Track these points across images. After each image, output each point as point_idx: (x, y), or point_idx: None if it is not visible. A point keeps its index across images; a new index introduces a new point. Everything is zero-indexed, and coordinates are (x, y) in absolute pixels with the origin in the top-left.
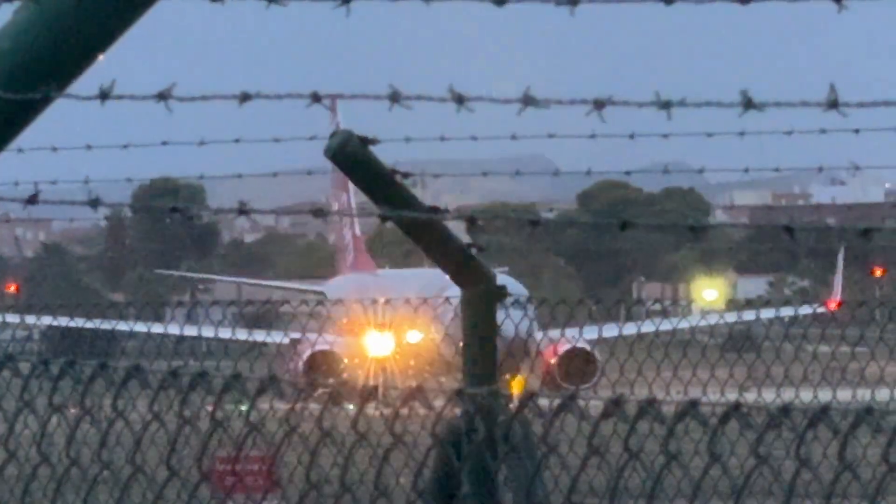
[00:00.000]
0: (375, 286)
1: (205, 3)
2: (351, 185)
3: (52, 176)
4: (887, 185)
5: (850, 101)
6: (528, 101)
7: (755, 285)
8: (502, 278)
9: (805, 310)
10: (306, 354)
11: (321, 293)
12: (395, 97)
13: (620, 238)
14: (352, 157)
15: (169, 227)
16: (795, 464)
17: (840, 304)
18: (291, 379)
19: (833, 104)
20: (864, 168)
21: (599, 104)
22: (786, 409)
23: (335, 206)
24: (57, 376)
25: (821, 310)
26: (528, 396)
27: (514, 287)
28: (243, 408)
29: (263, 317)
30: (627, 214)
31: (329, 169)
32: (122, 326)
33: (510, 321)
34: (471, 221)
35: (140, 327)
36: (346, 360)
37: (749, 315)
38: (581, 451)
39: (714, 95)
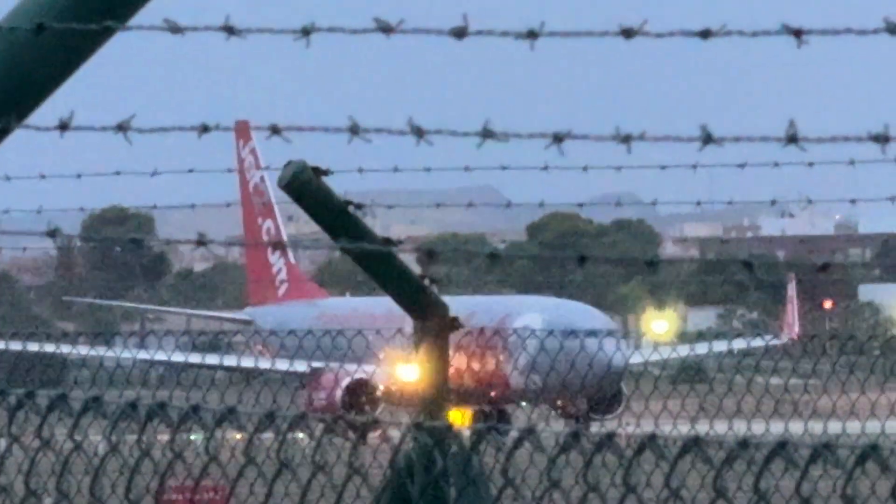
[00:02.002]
0: (334, 315)
1: (164, 35)
2: (277, 212)
3: (4, 205)
4: (837, 218)
5: (809, 136)
6: (486, 134)
7: (705, 317)
8: (585, 308)
9: (774, 341)
10: (344, 383)
11: (248, 321)
12: (354, 129)
13: (570, 269)
14: (305, 187)
15: (119, 257)
16: (752, 497)
17: (798, 337)
18: (329, 408)
19: (793, 139)
20: (817, 201)
21: (559, 138)
22: (744, 443)
23: (261, 235)
24: (15, 406)
25: (775, 342)
26: (487, 429)
27: (601, 319)
28: (193, 437)
29: (215, 346)
30: (577, 246)
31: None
32: (77, 353)
33: (619, 353)
34: (429, 255)
35: (109, 355)
36: (382, 389)
37: (719, 346)
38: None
39: (669, 129)
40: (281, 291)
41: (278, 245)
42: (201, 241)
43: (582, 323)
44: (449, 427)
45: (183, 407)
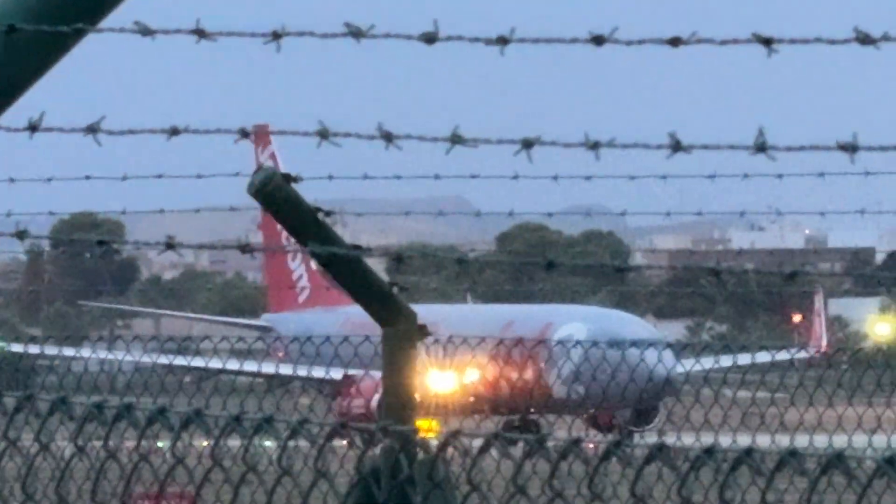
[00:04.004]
0: (359, 322)
1: (134, 38)
2: None
3: None
4: (807, 231)
5: (778, 145)
6: (455, 140)
7: (673, 330)
8: (631, 318)
9: (800, 354)
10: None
11: (267, 328)
12: (323, 134)
13: (539, 280)
14: (275, 194)
15: (88, 262)
16: None
17: (826, 353)
18: (367, 416)
19: (761, 147)
20: (787, 214)
21: (527, 144)
22: (709, 450)
23: (280, 241)
24: None
25: (801, 355)
26: (453, 434)
27: (645, 328)
28: (160, 444)
29: (184, 351)
30: (548, 257)
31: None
32: (76, 355)
33: (662, 365)
34: (398, 260)
35: (92, 359)
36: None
37: (743, 359)
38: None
39: (639, 137)
40: (301, 298)
41: (245, 249)
42: (170, 245)
43: (627, 333)
44: (415, 432)
45: (149, 409)
